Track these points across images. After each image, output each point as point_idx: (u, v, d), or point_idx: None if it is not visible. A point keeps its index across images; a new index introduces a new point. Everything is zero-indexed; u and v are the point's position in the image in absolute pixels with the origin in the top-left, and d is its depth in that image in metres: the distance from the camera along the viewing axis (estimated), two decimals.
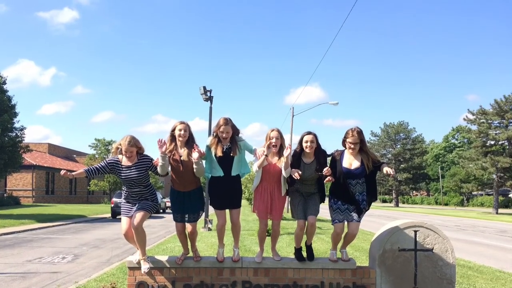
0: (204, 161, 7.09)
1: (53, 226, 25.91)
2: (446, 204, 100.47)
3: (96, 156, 64.20)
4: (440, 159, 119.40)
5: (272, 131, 7.15)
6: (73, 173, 7.01)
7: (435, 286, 7.05)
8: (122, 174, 6.99)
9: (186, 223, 7.21)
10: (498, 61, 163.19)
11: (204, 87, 25.37)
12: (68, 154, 76.73)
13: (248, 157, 7.30)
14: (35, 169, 59.18)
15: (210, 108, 25.82)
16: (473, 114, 62.63)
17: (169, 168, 7.02)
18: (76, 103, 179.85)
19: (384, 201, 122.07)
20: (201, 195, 7.34)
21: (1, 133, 32.80)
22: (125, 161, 7.01)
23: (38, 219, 28.77)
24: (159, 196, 36.95)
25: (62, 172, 6.88)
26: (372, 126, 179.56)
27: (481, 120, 61.48)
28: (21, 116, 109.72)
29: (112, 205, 34.97)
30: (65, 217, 31.96)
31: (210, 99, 25.73)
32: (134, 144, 6.93)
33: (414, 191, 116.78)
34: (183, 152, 6.94)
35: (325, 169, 6.85)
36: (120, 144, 6.97)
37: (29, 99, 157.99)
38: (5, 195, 53.85)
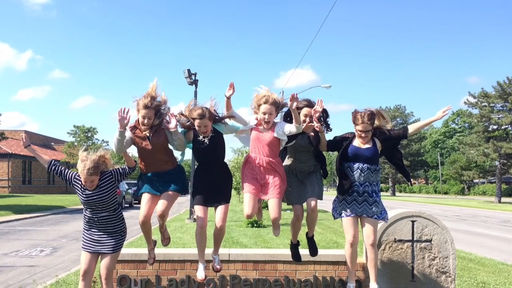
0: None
1: (31, 217, 25.73)
2: (446, 193, 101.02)
3: (75, 143, 63.79)
4: (439, 145, 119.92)
5: (265, 103, 6.09)
6: (36, 148, 6.14)
7: (434, 279, 7.08)
8: (82, 196, 6.04)
9: (156, 200, 6.19)
10: (500, 42, 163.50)
11: (189, 70, 25.12)
12: (46, 142, 76.23)
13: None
14: (11, 157, 58.74)
15: (195, 92, 25.63)
16: (474, 97, 62.56)
17: (137, 154, 6.30)
18: (53, 88, 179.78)
19: (380, 190, 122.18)
20: (182, 174, 6.49)
21: None
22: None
23: (14, 210, 28.58)
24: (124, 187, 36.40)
25: (23, 135, 6.13)
26: None
27: (483, 104, 61.41)
28: None
29: None
30: (43, 208, 31.73)
31: (195, 82, 25.51)
32: (96, 171, 5.88)
33: (412, 179, 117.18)
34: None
35: (316, 124, 6.02)
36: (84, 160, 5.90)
37: (4, 84, 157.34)
38: None
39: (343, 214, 6.35)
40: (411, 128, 6.43)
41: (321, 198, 6.36)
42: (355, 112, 6.28)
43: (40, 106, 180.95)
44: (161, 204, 6.10)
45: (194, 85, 25.53)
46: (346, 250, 6.37)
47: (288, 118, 6.38)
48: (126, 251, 7.20)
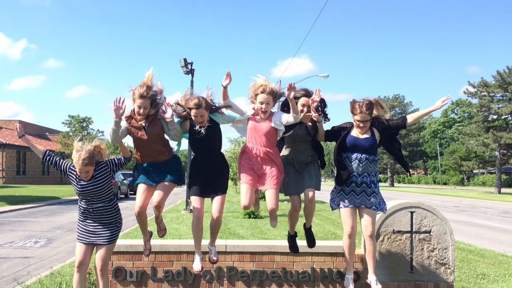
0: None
1: (25, 208, 25.74)
2: (445, 184, 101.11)
3: (70, 134, 63.68)
4: (438, 135, 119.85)
5: (262, 92, 6.04)
6: (30, 139, 6.16)
7: (433, 271, 7.09)
8: (77, 186, 6.00)
9: (151, 191, 6.14)
10: (501, 31, 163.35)
11: (185, 59, 25.08)
12: (41, 132, 76.11)
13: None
14: (5, 148, 58.67)
15: (192, 81, 25.63)
16: (474, 87, 62.47)
17: (132, 145, 6.23)
18: (48, 78, 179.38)
19: (378, 180, 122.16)
20: (178, 164, 6.40)
21: None
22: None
23: (8, 201, 28.55)
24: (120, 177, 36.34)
25: (18, 125, 6.01)
26: None
27: (483, 93, 61.35)
28: None
29: None
30: (38, 199, 31.73)
31: (191, 72, 25.48)
32: (91, 161, 5.87)
33: (410, 170, 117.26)
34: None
35: (314, 114, 6.04)
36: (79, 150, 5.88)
37: None
38: None
39: (341, 205, 6.32)
40: (410, 118, 6.40)
41: (319, 189, 6.32)
42: (353, 102, 6.21)
43: (34, 96, 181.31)
44: (157, 194, 6.06)
45: (190, 75, 25.49)
46: (344, 241, 6.34)
47: (285, 108, 6.35)
48: (122, 242, 7.19)
